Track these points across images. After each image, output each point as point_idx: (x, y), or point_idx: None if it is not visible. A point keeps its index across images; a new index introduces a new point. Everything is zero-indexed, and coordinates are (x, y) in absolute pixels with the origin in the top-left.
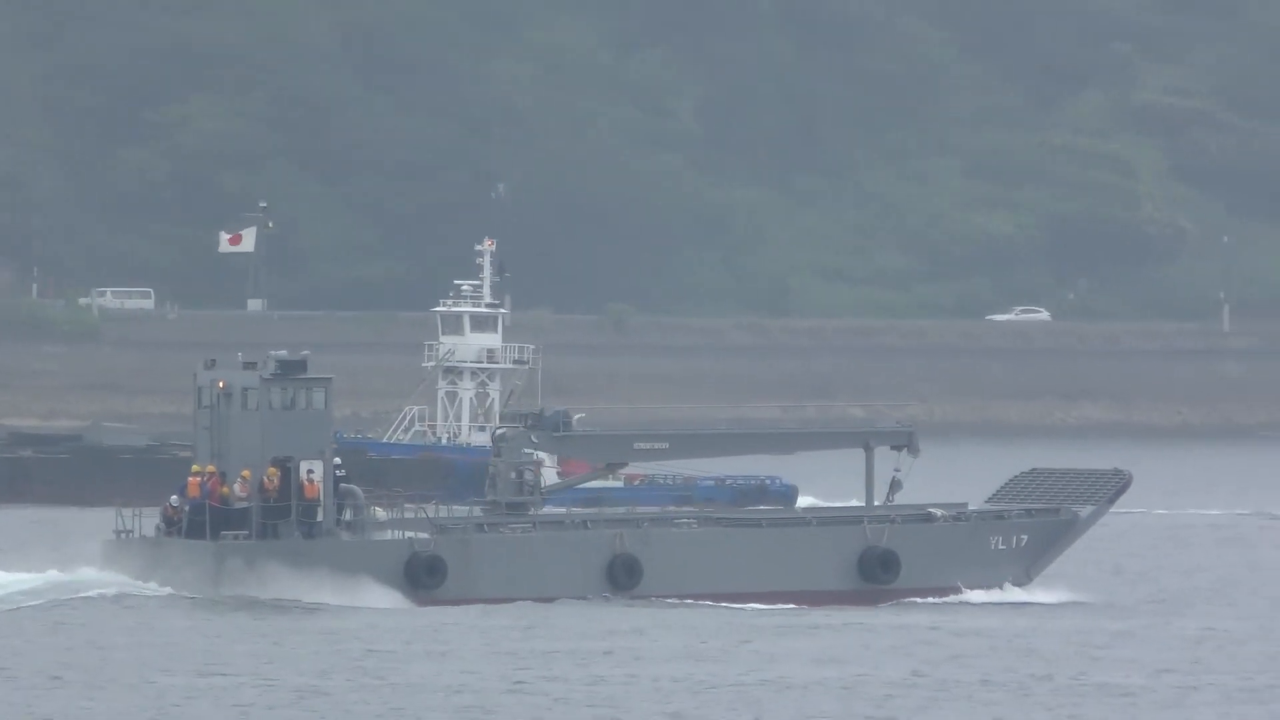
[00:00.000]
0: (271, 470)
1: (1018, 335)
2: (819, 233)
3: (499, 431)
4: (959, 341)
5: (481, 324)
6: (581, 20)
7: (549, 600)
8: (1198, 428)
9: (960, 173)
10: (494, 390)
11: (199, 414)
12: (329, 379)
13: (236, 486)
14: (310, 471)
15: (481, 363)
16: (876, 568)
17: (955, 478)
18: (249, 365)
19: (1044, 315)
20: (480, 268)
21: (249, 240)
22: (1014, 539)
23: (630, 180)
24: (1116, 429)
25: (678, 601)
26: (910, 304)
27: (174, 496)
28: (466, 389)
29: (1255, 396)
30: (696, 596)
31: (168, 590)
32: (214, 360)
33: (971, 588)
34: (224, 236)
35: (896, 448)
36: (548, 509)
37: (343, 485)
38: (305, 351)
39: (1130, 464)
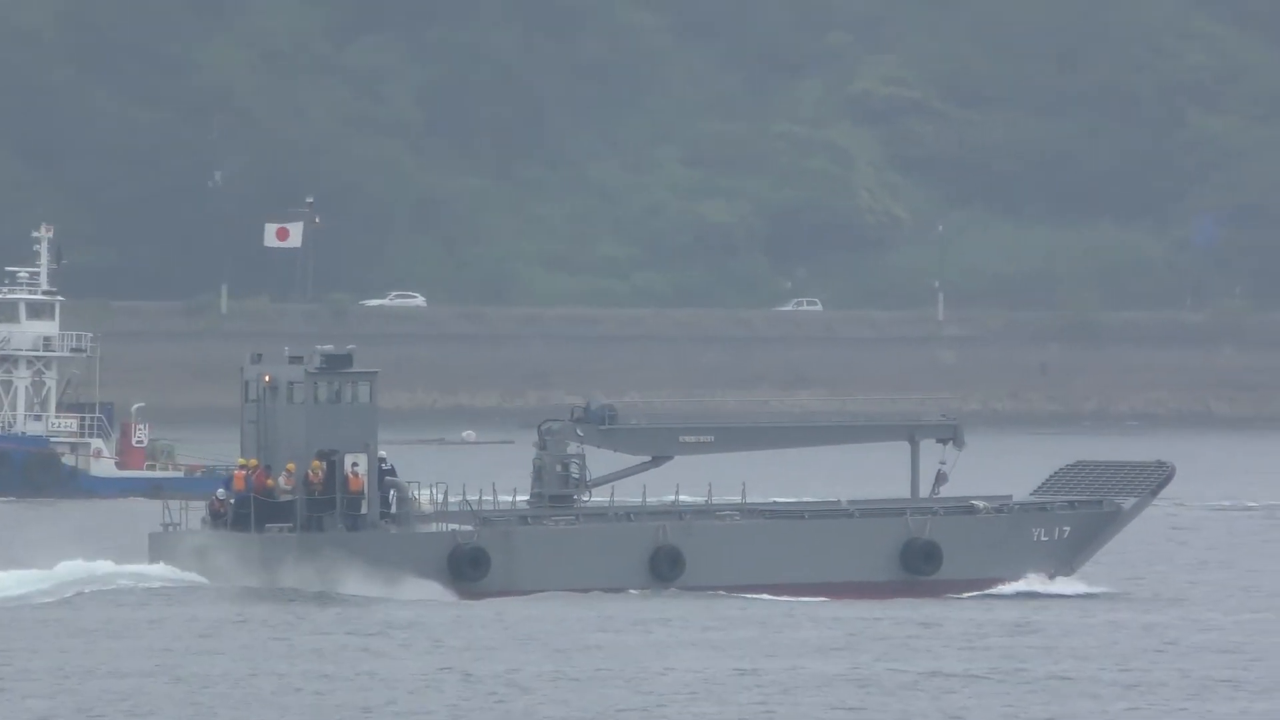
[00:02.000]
0: (316, 463)
1: (736, 323)
2: (539, 221)
3: (545, 425)
4: (677, 330)
5: (38, 311)
6: (300, 7)
7: (589, 591)
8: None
9: (679, 161)
10: (50, 379)
11: (245, 408)
12: (374, 373)
13: (281, 479)
14: (355, 465)
15: (38, 351)
16: (919, 559)
17: (1001, 470)
18: (295, 359)
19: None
20: (38, 254)
21: (296, 236)
22: (1056, 531)
23: (348, 167)
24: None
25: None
26: (629, 292)
27: (220, 489)
28: (22, 377)
29: (969, 384)
30: (739, 588)
31: (214, 583)
32: (260, 355)
33: (1014, 579)
34: (269, 229)
35: (942, 441)
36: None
37: (388, 478)
38: (351, 346)
39: (847, 454)
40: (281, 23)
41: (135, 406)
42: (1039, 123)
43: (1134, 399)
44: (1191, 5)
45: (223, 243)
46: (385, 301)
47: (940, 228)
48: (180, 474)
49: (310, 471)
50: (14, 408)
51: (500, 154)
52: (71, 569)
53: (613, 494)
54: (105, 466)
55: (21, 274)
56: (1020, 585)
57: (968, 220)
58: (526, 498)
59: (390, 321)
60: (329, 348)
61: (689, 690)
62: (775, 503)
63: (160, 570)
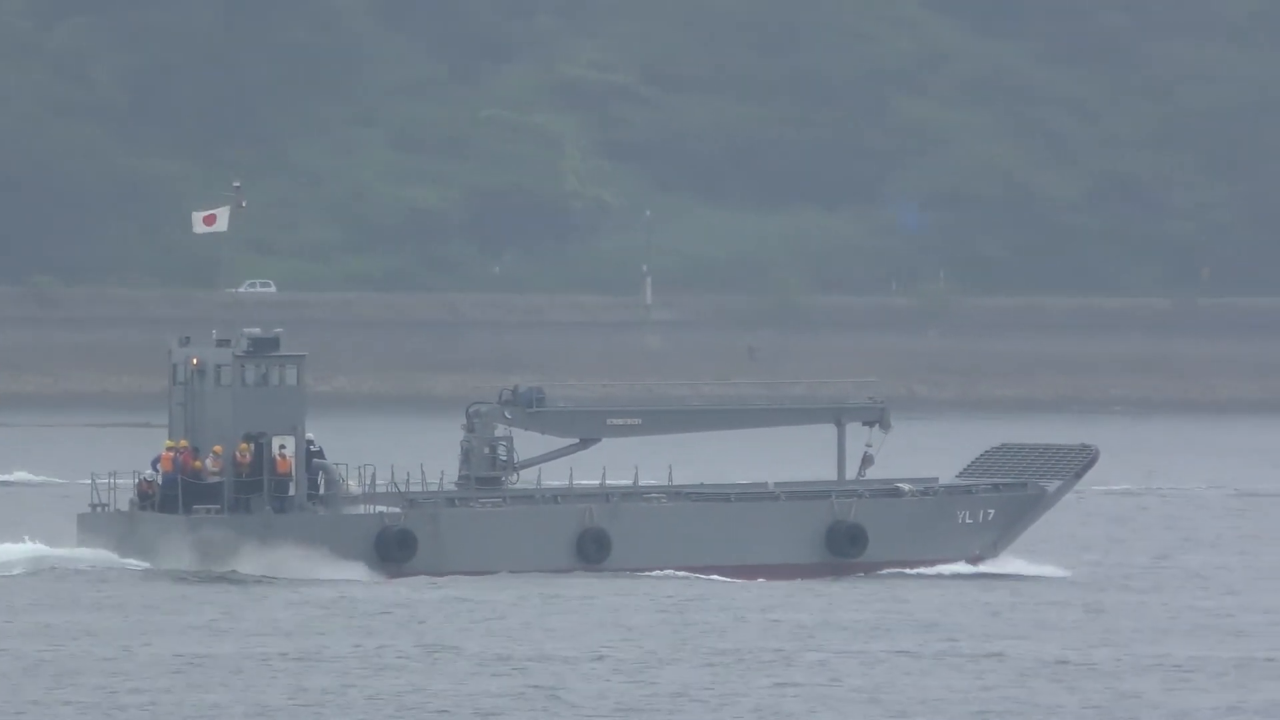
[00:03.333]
0: (243, 445)
1: (444, 307)
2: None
3: (473, 407)
4: (385, 314)
5: None
6: None
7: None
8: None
9: (385, 144)
10: None
11: (173, 390)
12: (302, 356)
13: (209, 461)
14: (282, 447)
15: None
16: (844, 542)
17: (930, 451)
18: (222, 342)
19: (271, 288)
20: None
21: (223, 220)
22: (981, 513)
23: (49, 150)
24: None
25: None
26: (336, 276)
27: (148, 470)
28: None
29: (675, 368)
30: (665, 569)
31: (143, 564)
32: (188, 337)
33: (939, 561)
34: (197, 216)
35: (868, 423)
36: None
37: (315, 460)
38: (278, 329)
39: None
40: None
41: None
42: (745, 108)
43: (841, 383)
44: None
45: None
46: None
47: (648, 213)
48: None
49: (238, 453)
50: None
51: (205, 137)
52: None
53: (540, 476)
54: None
55: None
56: (945, 567)
57: (676, 205)
58: (454, 480)
59: (98, 306)
60: (256, 330)
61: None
62: (702, 485)
63: (87, 552)
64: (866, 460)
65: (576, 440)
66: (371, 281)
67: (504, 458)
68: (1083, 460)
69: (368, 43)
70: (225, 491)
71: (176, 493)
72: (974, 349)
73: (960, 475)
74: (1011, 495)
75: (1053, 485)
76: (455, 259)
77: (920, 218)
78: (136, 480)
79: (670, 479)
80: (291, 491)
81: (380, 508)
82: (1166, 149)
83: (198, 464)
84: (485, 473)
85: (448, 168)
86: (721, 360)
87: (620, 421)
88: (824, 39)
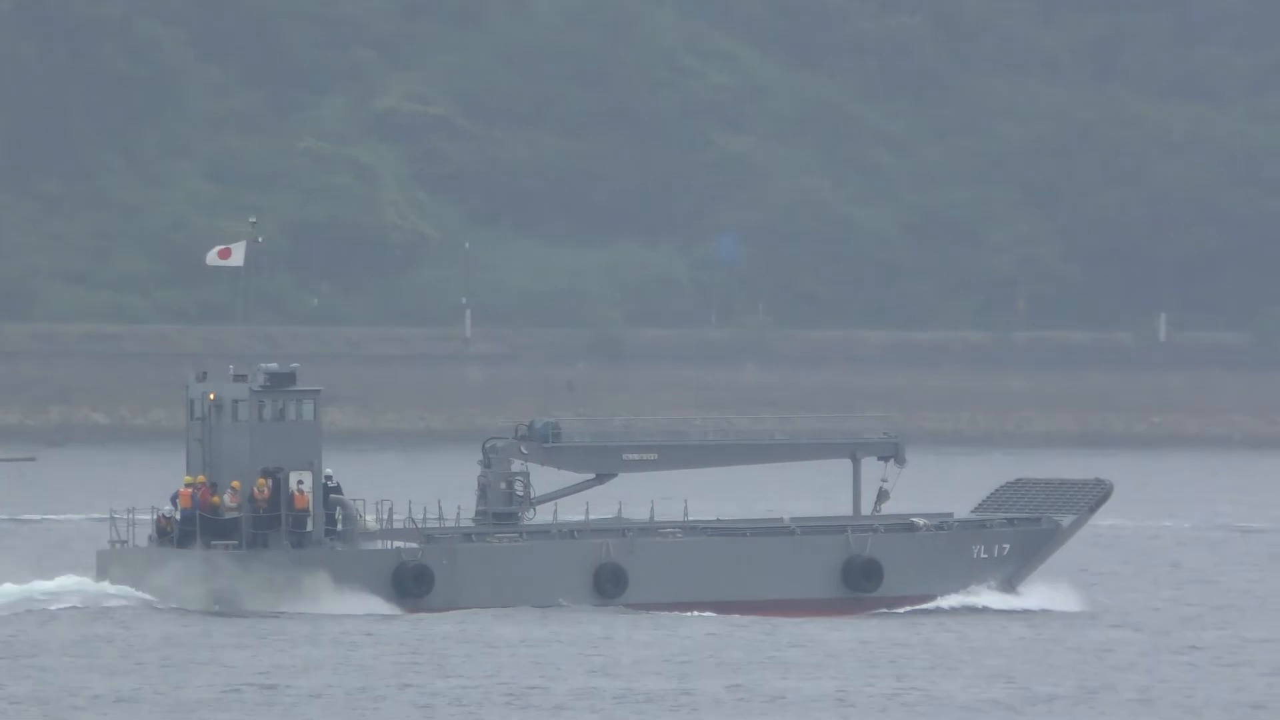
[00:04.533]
0: (261, 481)
1: (261, 340)
2: (59, 236)
3: (489, 442)
4: (201, 347)
5: None
6: None
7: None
8: (441, 432)
9: (201, 176)
10: None
11: (190, 425)
12: (318, 391)
13: (227, 497)
14: (300, 482)
15: None
16: (859, 577)
17: (941, 486)
18: (239, 377)
19: None
20: None
21: (239, 254)
22: (996, 548)
23: None
24: (361, 435)
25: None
26: (150, 309)
27: (167, 506)
28: None
29: (497, 401)
30: (681, 606)
31: (160, 600)
32: (205, 373)
33: (954, 595)
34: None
35: (884, 459)
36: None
37: (332, 496)
38: (294, 365)
39: (378, 468)
40: None
41: None
42: (564, 141)
43: (659, 417)
44: (712, 26)
45: None
46: None
47: (467, 245)
48: None
49: (255, 489)
50: None
51: (18, 166)
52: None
53: (556, 511)
54: None
55: None
56: (960, 600)
57: (495, 238)
58: (471, 516)
59: None
60: (273, 366)
61: None
62: (718, 520)
63: (107, 587)
64: (882, 495)
65: (593, 475)
66: (186, 314)
67: (520, 493)
68: (1097, 495)
69: (184, 74)
70: (243, 527)
71: (195, 528)
72: (791, 382)
73: (975, 510)
74: (1026, 530)
75: (1067, 520)
76: (271, 291)
77: (739, 251)
78: (155, 516)
79: (686, 514)
80: (309, 527)
81: (397, 543)
82: (983, 183)
83: (216, 499)
84: (502, 508)
85: (264, 200)
86: (541, 393)
87: (636, 456)
88: (643, 73)
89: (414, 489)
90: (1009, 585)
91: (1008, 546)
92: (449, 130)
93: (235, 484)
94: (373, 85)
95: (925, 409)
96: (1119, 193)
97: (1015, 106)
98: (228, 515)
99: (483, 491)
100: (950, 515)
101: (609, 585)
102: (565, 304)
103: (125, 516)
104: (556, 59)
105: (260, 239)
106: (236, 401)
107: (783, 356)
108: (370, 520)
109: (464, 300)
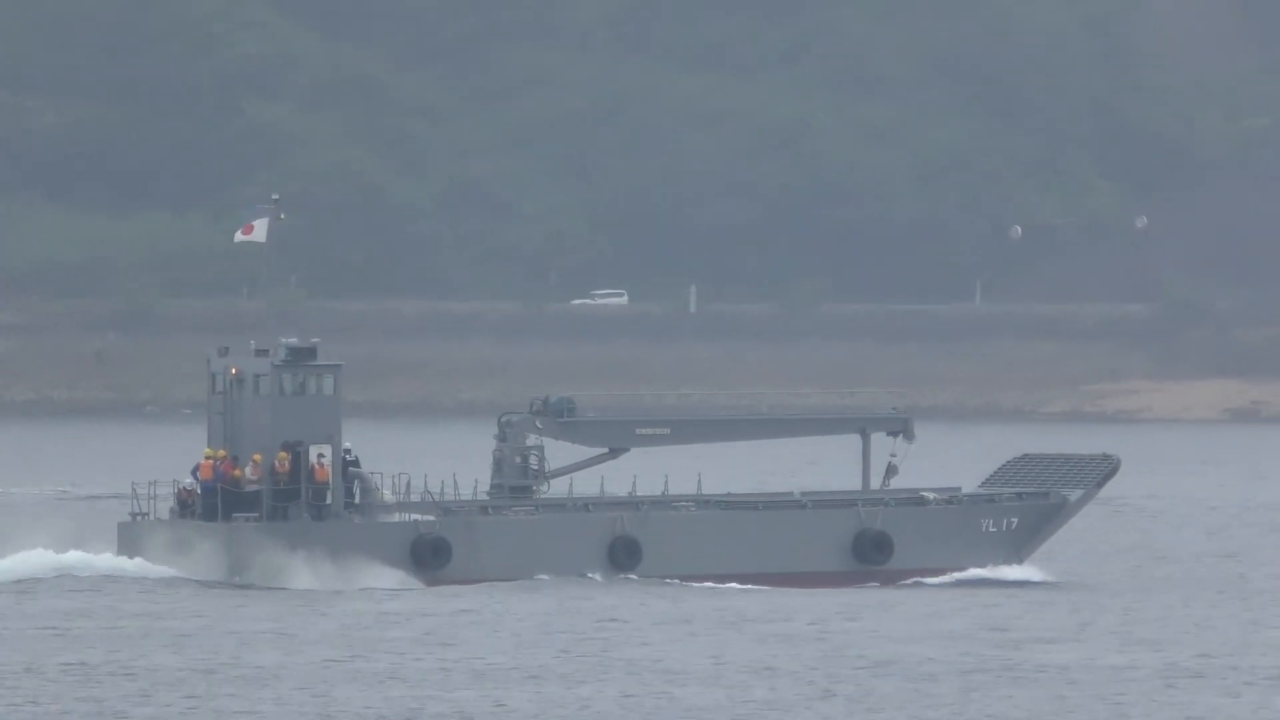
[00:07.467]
0: (282, 454)
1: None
2: None
3: (504, 418)
4: None
5: None
6: None
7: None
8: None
9: None
10: None
11: (212, 399)
12: (339, 365)
13: (248, 470)
14: (320, 456)
15: None
16: (870, 549)
17: (951, 460)
18: (261, 352)
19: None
20: None
21: (260, 231)
22: (1005, 522)
23: None
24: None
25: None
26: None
27: (188, 479)
28: None
29: (24, 373)
30: (694, 578)
31: (183, 573)
32: (227, 347)
33: (963, 569)
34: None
35: (893, 434)
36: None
37: (352, 469)
38: (315, 339)
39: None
40: None
41: None
42: (93, 109)
43: (191, 388)
44: None
45: None
46: None
47: None
48: None
49: (276, 462)
50: None
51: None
52: (37, 559)
53: (571, 485)
54: None
55: None
56: (969, 574)
57: (22, 207)
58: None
59: None
60: (294, 340)
61: None
62: (730, 494)
63: (128, 560)
64: (891, 470)
65: (606, 449)
66: None
67: (535, 467)
68: (1104, 469)
69: None
70: (264, 500)
71: (216, 501)
72: (324, 353)
73: (983, 484)
74: (1034, 504)
75: (1075, 494)
76: None
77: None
78: (176, 489)
79: (699, 487)
80: (329, 500)
81: (415, 516)
82: (514, 154)
83: (237, 472)
84: (517, 481)
85: None
86: (69, 365)
87: (649, 431)
88: (175, 40)
89: (430, 461)
90: (1017, 558)
91: (1015, 520)
92: None
93: (256, 457)
94: None
95: (460, 380)
96: (649, 164)
97: (544, 75)
98: (249, 488)
99: (498, 465)
100: (959, 489)
101: (623, 558)
102: (95, 274)
103: (146, 489)
104: (86, 26)
105: (282, 216)
106: (258, 376)
107: (315, 327)
108: (388, 494)
109: None
